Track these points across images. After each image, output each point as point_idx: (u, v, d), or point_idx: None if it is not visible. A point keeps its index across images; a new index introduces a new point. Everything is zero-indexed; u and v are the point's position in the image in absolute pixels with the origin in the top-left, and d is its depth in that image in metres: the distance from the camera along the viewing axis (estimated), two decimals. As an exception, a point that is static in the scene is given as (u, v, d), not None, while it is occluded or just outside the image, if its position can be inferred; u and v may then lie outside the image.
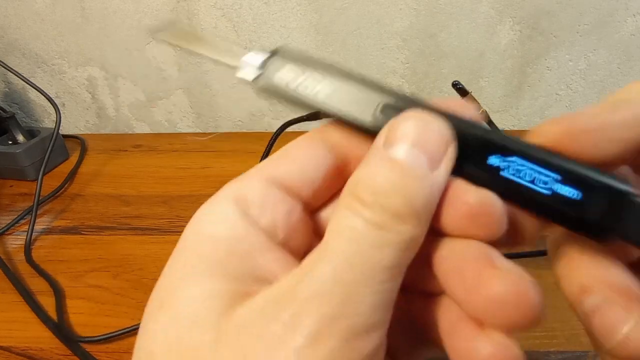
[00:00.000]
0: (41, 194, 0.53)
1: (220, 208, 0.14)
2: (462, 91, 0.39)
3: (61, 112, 0.71)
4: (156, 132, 0.71)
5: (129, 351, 0.33)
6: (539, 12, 0.58)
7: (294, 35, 0.61)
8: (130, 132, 0.72)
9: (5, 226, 0.48)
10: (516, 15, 0.58)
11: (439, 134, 0.13)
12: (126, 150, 0.65)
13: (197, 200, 0.57)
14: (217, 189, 0.52)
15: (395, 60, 0.62)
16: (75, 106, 0.69)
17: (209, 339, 0.12)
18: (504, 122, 0.67)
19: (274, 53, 0.16)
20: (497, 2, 0.57)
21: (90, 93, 0.69)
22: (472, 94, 0.39)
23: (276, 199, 0.14)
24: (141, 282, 0.40)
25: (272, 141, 0.45)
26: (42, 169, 0.52)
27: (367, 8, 0.59)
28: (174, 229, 0.47)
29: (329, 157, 0.15)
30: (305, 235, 0.15)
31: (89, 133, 0.72)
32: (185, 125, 0.70)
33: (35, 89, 0.56)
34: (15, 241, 0.46)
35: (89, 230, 0.47)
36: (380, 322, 0.12)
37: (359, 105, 0.14)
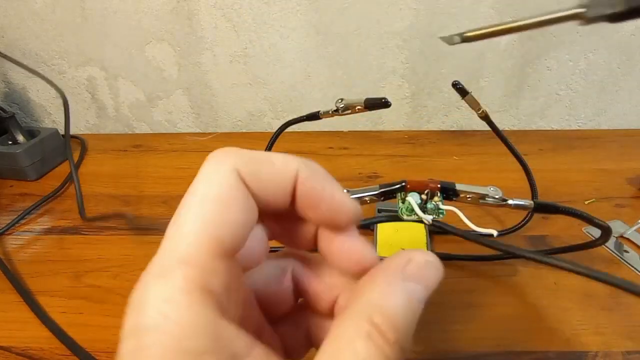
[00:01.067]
0: (41, 194, 0.53)
1: (189, 307, 0.12)
2: (461, 91, 0.39)
3: (61, 112, 0.71)
4: (156, 132, 0.71)
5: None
6: (539, 12, 0.58)
7: (294, 35, 0.61)
8: (130, 132, 0.72)
9: (5, 226, 0.48)
10: (516, 15, 0.58)
11: (437, 279, 0.15)
12: (126, 150, 0.65)
13: (197, 200, 0.57)
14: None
15: (395, 60, 0.62)
16: (75, 106, 0.69)
17: None
18: (504, 122, 0.67)
19: None
20: (497, 2, 0.57)
21: (90, 93, 0.69)
22: (472, 94, 0.39)
23: (230, 275, 0.14)
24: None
25: (272, 141, 0.45)
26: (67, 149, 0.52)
27: (367, 8, 0.59)
28: (174, 229, 0.47)
29: (252, 207, 0.15)
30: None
31: (89, 133, 0.72)
32: (185, 125, 0.70)
33: (44, 80, 0.56)
34: (15, 241, 0.46)
35: (89, 230, 0.47)
36: None
37: None
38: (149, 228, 0.47)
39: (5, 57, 0.55)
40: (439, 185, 0.26)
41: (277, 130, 0.44)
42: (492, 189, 0.25)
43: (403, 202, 0.26)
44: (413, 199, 0.25)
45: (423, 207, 0.26)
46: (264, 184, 0.15)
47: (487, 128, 0.67)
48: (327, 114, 0.40)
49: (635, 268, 0.39)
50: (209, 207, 0.14)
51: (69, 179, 0.57)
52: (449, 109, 0.66)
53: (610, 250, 0.41)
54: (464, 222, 0.25)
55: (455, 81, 0.38)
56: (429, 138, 0.65)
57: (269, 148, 0.45)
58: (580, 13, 0.18)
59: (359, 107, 0.38)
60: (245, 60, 0.64)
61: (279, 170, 0.15)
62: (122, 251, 0.44)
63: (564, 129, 0.67)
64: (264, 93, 0.66)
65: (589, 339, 0.33)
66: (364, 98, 0.38)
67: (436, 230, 0.43)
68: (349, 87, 0.65)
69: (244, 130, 0.70)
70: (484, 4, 0.57)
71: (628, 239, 0.42)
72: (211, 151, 0.16)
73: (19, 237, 0.47)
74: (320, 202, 0.16)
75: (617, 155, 0.58)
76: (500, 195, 0.25)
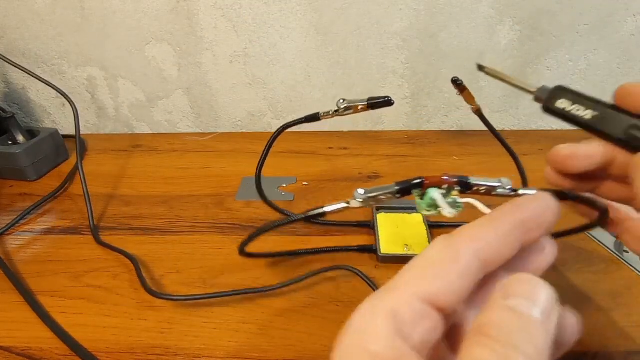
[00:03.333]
0: (41, 194, 0.53)
1: (378, 324, 0.15)
2: (460, 87, 0.39)
3: (61, 112, 0.71)
4: (156, 132, 0.71)
5: (129, 351, 0.33)
6: (539, 12, 0.58)
7: (293, 36, 0.61)
8: (130, 132, 0.72)
9: (5, 226, 0.48)
10: (516, 15, 0.58)
11: (547, 293, 0.16)
12: (126, 150, 0.65)
13: (197, 200, 0.58)
14: (217, 189, 0.52)
15: (395, 60, 0.62)
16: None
17: None
18: (504, 122, 0.67)
19: (556, 89, 0.24)
20: (497, 2, 0.57)
21: (90, 93, 0.69)
22: (469, 91, 0.39)
23: (425, 316, 0.16)
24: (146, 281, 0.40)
25: (270, 144, 0.43)
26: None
27: (367, 8, 0.59)
28: (174, 229, 0.47)
29: (474, 270, 0.16)
30: (438, 344, 0.17)
31: (89, 133, 0.72)
32: (185, 125, 0.70)
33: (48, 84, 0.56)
34: (16, 241, 0.46)
35: (89, 230, 0.47)
36: None
37: (614, 124, 0.21)
38: (149, 228, 0.47)
39: (5, 60, 0.55)
40: (456, 180, 0.26)
41: (274, 133, 0.43)
42: (503, 180, 0.26)
43: (422, 198, 0.26)
44: (437, 193, 0.26)
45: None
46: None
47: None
48: (327, 115, 0.40)
49: (635, 268, 0.39)
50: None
51: (68, 179, 0.57)
52: (449, 109, 0.66)
53: (610, 250, 0.41)
54: (483, 213, 0.26)
55: (454, 77, 0.38)
56: (429, 138, 0.65)
57: (267, 151, 0.44)
58: (532, 93, 0.26)
59: (361, 106, 0.38)
60: (245, 60, 0.64)
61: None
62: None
63: (564, 129, 0.67)
64: (264, 93, 0.66)
65: (589, 339, 0.33)
66: (367, 97, 0.37)
67: (434, 224, 0.45)
68: (349, 87, 0.65)
69: (244, 130, 0.70)
70: (484, 4, 0.57)
71: (628, 239, 0.42)
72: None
73: (19, 237, 0.47)
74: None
75: (617, 155, 0.58)
76: (511, 185, 0.26)
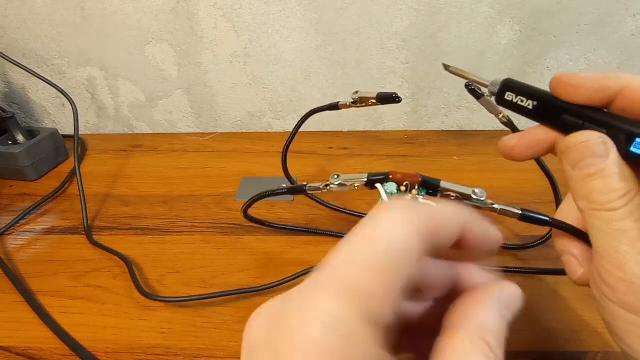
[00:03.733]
0: (41, 194, 0.53)
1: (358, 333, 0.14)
2: (475, 93, 0.38)
3: (61, 112, 0.71)
4: (156, 132, 0.71)
5: (129, 351, 0.33)
6: (539, 12, 0.58)
7: (294, 36, 0.61)
8: (130, 132, 0.72)
9: (5, 226, 0.48)
10: (516, 15, 0.58)
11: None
12: (126, 150, 0.65)
13: (197, 200, 0.58)
14: (217, 189, 0.53)
15: (395, 60, 0.62)
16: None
17: None
18: (504, 122, 0.67)
19: (504, 82, 0.25)
20: (497, 2, 0.57)
21: (90, 93, 0.69)
22: (487, 96, 0.39)
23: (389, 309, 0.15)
24: (141, 282, 0.40)
25: (296, 130, 0.46)
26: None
27: (367, 8, 0.59)
28: (174, 229, 0.47)
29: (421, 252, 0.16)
30: None
31: (89, 133, 0.72)
32: (185, 125, 0.70)
33: (51, 85, 0.56)
34: (16, 241, 0.46)
35: (89, 230, 0.47)
36: None
37: (551, 112, 0.23)
38: (149, 228, 0.47)
39: (6, 58, 0.55)
40: (418, 179, 0.26)
41: (302, 118, 0.45)
42: (477, 190, 0.25)
43: (386, 192, 0.26)
44: (384, 188, 0.26)
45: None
46: (437, 240, 0.17)
47: (487, 128, 0.66)
48: (345, 105, 0.41)
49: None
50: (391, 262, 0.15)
51: (68, 179, 0.57)
52: (449, 109, 0.66)
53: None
54: None
55: (467, 82, 0.38)
56: (429, 138, 0.65)
57: (292, 138, 0.46)
58: (486, 86, 0.26)
59: (372, 100, 0.38)
60: (245, 60, 0.64)
61: (449, 226, 0.17)
62: (122, 251, 0.44)
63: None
64: (264, 93, 0.66)
65: (589, 339, 0.33)
66: (377, 92, 0.39)
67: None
68: (349, 87, 0.65)
69: (244, 130, 0.70)
70: (484, 4, 0.57)
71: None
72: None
73: (19, 237, 0.47)
74: (480, 243, 0.18)
75: (617, 155, 0.58)
76: (485, 197, 0.25)
